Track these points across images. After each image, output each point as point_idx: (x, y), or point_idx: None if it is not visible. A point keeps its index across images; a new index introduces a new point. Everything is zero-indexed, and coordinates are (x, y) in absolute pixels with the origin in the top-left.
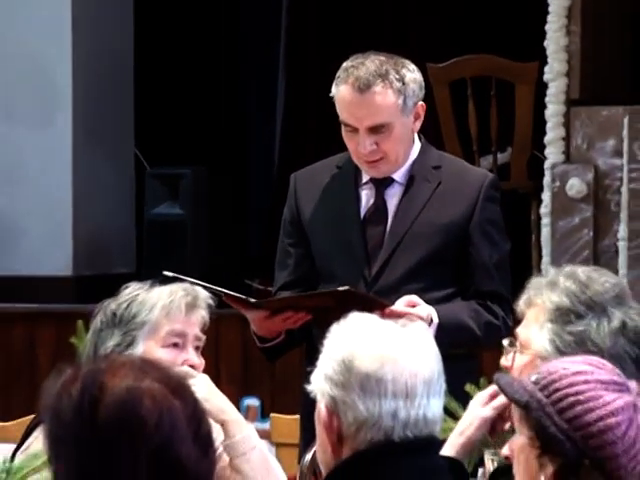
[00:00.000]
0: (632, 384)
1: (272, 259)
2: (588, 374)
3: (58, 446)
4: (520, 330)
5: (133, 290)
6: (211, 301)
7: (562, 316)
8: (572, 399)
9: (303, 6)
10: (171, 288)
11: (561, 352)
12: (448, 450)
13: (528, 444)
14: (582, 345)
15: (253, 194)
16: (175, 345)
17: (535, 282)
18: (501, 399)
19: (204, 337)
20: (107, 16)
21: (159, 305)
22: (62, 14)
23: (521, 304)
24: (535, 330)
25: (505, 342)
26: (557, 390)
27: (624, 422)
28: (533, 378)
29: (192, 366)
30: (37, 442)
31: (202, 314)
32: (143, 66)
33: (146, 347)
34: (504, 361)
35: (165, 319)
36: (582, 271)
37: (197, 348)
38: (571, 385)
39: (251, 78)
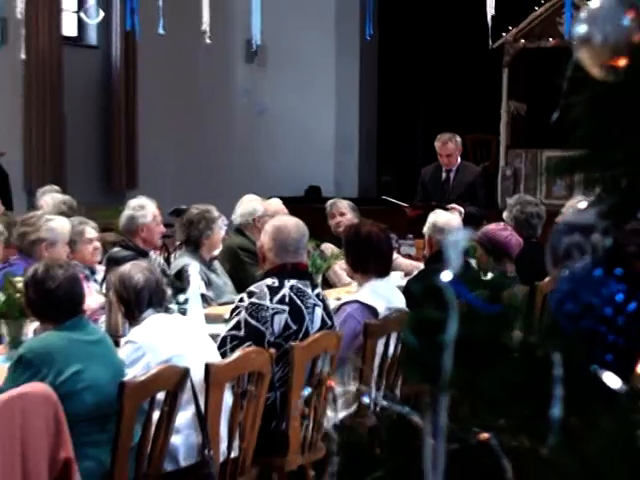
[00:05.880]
0: (509, 228)
1: (414, 191)
2: (494, 228)
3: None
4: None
5: None
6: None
7: (513, 208)
8: (492, 237)
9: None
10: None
11: (514, 220)
12: None
13: (481, 250)
14: (521, 216)
15: (409, 157)
16: None
17: (509, 203)
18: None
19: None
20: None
21: None
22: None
23: (505, 213)
24: (506, 215)
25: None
26: (487, 235)
27: (511, 240)
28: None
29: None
30: None
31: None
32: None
33: None
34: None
35: None
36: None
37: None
38: (493, 232)
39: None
